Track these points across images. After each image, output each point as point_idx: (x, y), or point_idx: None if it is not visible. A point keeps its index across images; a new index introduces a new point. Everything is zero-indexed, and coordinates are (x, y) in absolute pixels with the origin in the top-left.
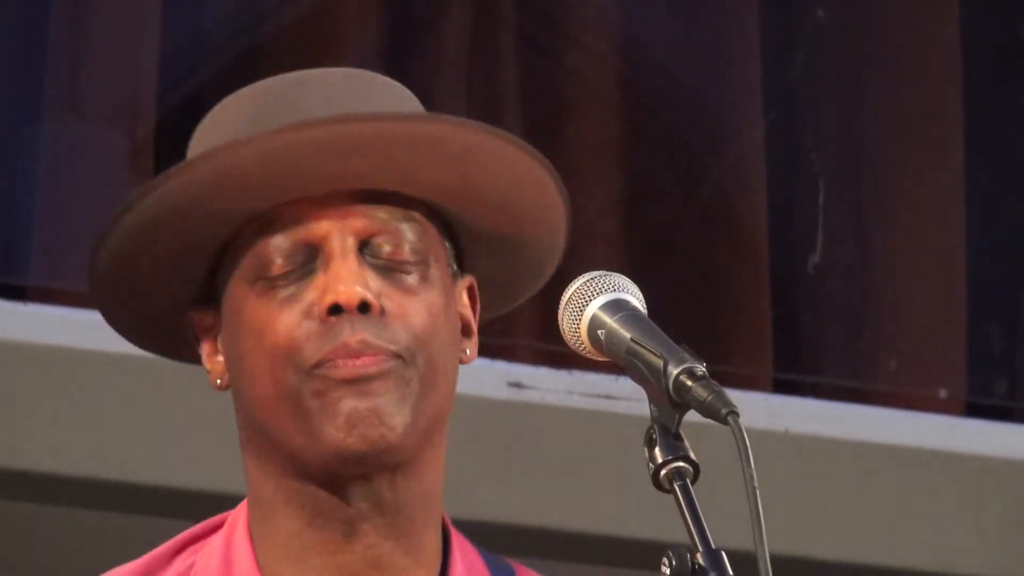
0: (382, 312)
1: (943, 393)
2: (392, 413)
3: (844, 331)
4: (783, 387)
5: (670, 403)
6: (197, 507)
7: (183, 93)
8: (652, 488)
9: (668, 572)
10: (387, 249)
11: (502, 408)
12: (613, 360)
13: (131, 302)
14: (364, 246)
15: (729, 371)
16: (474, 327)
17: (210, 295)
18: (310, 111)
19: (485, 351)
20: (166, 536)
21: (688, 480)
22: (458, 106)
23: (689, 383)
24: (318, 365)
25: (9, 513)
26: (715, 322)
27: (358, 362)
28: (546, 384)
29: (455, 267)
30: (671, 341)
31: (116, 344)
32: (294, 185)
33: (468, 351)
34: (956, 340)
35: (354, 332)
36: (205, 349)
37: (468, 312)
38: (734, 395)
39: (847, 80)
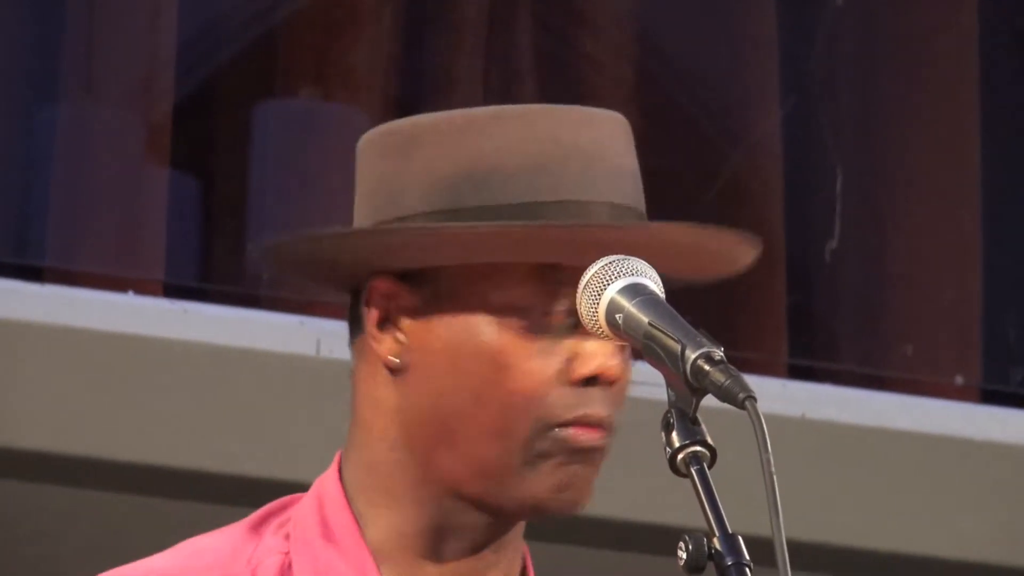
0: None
1: (959, 380)
2: (593, 486)
3: (861, 317)
4: (800, 373)
5: (687, 387)
6: (212, 489)
7: (200, 76)
8: (669, 473)
9: (685, 557)
10: None
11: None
12: (630, 344)
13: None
14: None
15: (745, 357)
16: None
17: (411, 273)
18: (596, 195)
19: None
20: (180, 518)
21: (705, 465)
22: (474, 91)
23: (707, 368)
24: (561, 426)
25: (25, 494)
26: (731, 308)
27: (594, 435)
28: None
29: None
30: (689, 326)
31: (133, 326)
32: (575, 256)
33: None
34: (972, 327)
35: (603, 407)
36: (376, 317)
37: None
38: (750, 380)
39: (864, 67)
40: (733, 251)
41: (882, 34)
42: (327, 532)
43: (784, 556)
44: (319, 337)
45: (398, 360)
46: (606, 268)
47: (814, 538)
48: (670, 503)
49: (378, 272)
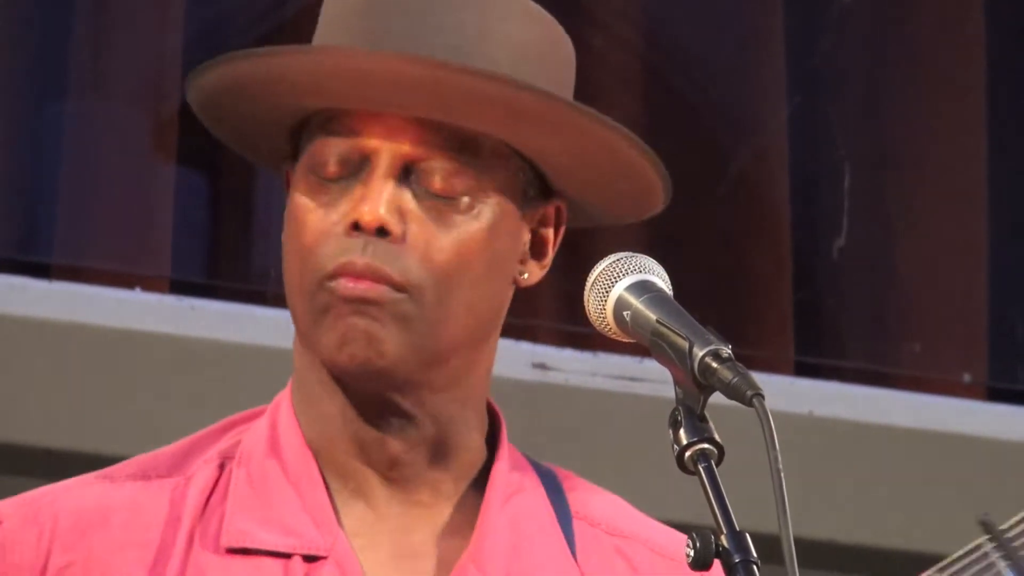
0: (402, 239)
1: (967, 377)
2: (382, 339)
3: (869, 315)
4: (807, 371)
5: (695, 385)
6: None
7: None
8: (676, 470)
9: (692, 554)
10: (433, 177)
11: (526, 389)
12: (638, 341)
13: (233, 129)
14: (410, 169)
15: (752, 354)
16: (548, 249)
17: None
18: (408, 34)
19: (509, 332)
20: None
21: (713, 462)
22: None
23: (714, 365)
24: (330, 277)
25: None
26: (738, 305)
27: (359, 285)
28: (570, 365)
29: (534, 191)
30: (697, 323)
31: (140, 322)
32: (362, 97)
33: (527, 274)
34: (980, 325)
35: (363, 254)
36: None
37: (547, 234)
38: (758, 378)
39: (872, 64)
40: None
41: (889, 31)
42: (273, 436)
43: (791, 553)
44: None
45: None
46: (614, 265)
47: (821, 535)
48: (677, 501)
49: (286, 160)
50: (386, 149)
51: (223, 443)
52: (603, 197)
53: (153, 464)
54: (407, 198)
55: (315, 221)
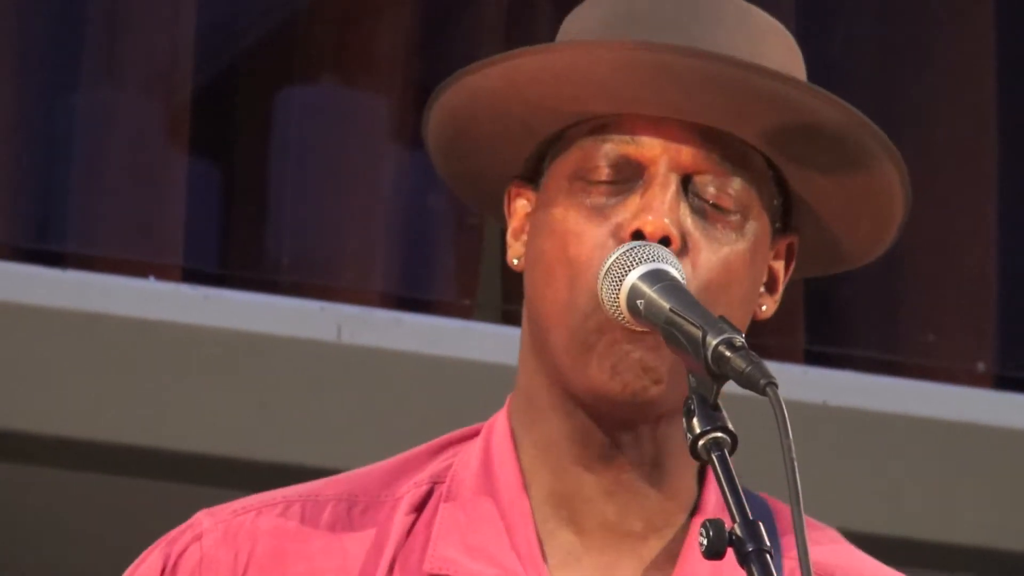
0: (681, 253)
1: (980, 366)
2: (657, 367)
3: (882, 304)
4: (820, 359)
5: (708, 374)
6: (232, 475)
7: (220, 63)
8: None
9: (705, 543)
10: (710, 191)
11: None
12: (651, 330)
13: (462, 158)
14: (688, 181)
15: (765, 343)
16: (779, 285)
17: (534, 174)
18: (690, 39)
19: (516, 321)
20: (199, 503)
21: (726, 451)
22: None
23: (728, 354)
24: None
25: (47, 479)
26: None
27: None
28: None
29: (779, 223)
30: (710, 312)
31: (153, 311)
32: (639, 100)
33: (765, 307)
34: (993, 314)
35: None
36: (512, 224)
37: (779, 268)
38: (771, 367)
39: (883, 57)
40: (831, 121)
41: (901, 21)
42: (487, 460)
43: (804, 542)
44: (340, 322)
45: (518, 261)
46: (627, 254)
47: (834, 524)
48: None
49: (512, 179)
50: (666, 157)
51: (435, 465)
52: (844, 229)
53: (362, 485)
54: (685, 210)
55: (589, 234)
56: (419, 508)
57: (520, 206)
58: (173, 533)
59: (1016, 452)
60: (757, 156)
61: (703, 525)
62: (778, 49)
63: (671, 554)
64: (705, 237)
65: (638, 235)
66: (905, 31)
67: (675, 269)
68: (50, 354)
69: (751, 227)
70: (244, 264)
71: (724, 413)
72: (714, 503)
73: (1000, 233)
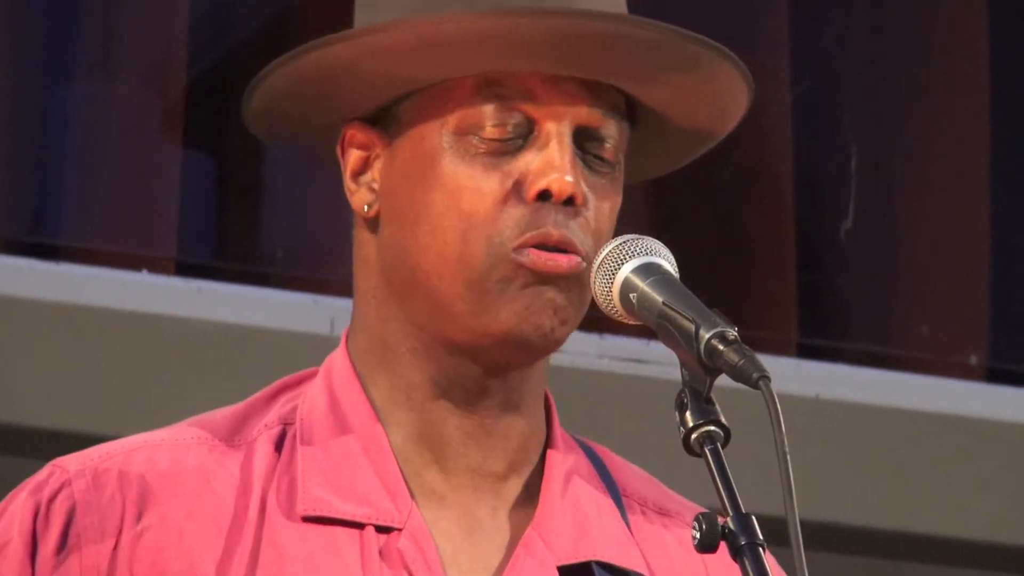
0: (583, 209)
1: (974, 359)
2: (568, 313)
3: (875, 297)
4: (813, 352)
5: (701, 367)
6: None
7: (215, 55)
8: (683, 452)
9: (698, 536)
10: (597, 144)
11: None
12: (645, 324)
13: (287, 111)
14: (578, 135)
15: (758, 336)
16: None
17: (377, 117)
18: None
19: None
20: None
21: (719, 444)
22: None
23: (721, 347)
24: (517, 248)
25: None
26: (744, 288)
27: (556, 260)
28: (577, 348)
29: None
30: (703, 305)
31: (147, 304)
32: (530, 58)
33: None
34: (986, 307)
35: (557, 225)
36: (352, 166)
37: None
38: (764, 360)
39: (877, 47)
40: (705, 62)
41: (896, 14)
42: (333, 401)
43: (798, 535)
44: (333, 315)
45: (369, 208)
46: (620, 248)
47: (827, 518)
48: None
49: (350, 120)
50: (561, 113)
51: (278, 408)
52: (684, 126)
53: (214, 428)
54: (581, 165)
55: (488, 190)
56: (276, 450)
57: (360, 149)
58: (33, 480)
59: (1009, 445)
60: (620, 96)
61: (696, 519)
62: None
63: (531, 491)
64: (593, 191)
65: (544, 195)
66: (898, 22)
67: (667, 262)
68: (43, 347)
69: (620, 175)
70: (238, 257)
71: (717, 407)
72: (561, 435)
73: (993, 226)
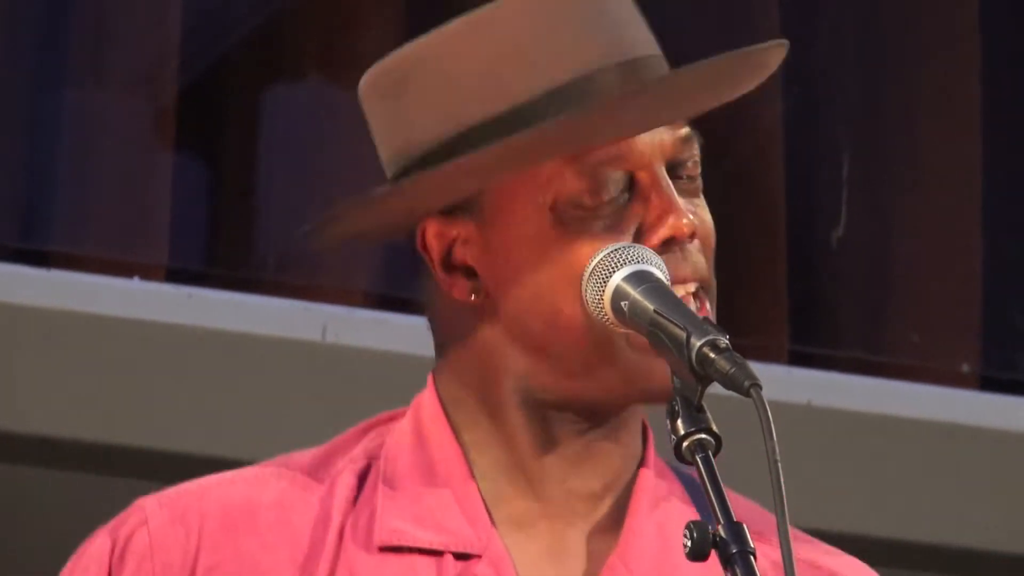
0: (695, 236)
1: (965, 367)
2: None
3: (866, 304)
4: (805, 360)
5: (693, 375)
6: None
7: (207, 60)
8: (675, 459)
9: (689, 544)
10: (684, 167)
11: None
12: (636, 332)
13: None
14: (668, 169)
15: (750, 344)
16: None
17: (458, 206)
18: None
19: None
20: None
21: (710, 452)
22: None
23: (712, 355)
24: None
25: (29, 479)
26: (735, 295)
27: (702, 312)
28: None
29: None
30: (694, 313)
31: (138, 311)
32: (622, 131)
33: None
34: (977, 314)
35: (687, 265)
36: (438, 260)
37: None
38: (755, 368)
39: (868, 54)
40: (761, 59)
41: (887, 22)
42: (420, 436)
43: (789, 544)
44: (325, 322)
45: (476, 295)
46: (611, 255)
47: (818, 525)
48: None
49: (424, 217)
50: (657, 157)
51: (366, 443)
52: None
53: (297, 464)
54: (679, 195)
55: (604, 248)
56: (359, 484)
57: (439, 238)
58: (115, 520)
59: (1000, 453)
60: None
61: (687, 527)
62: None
63: (620, 511)
64: (694, 209)
65: (669, 242)
66: (890, 31)
67: (659, 270)
68: (35, 354)
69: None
70: (229, 264)
71: (708, 414)
72: (655, 461)
73: (984, 233)
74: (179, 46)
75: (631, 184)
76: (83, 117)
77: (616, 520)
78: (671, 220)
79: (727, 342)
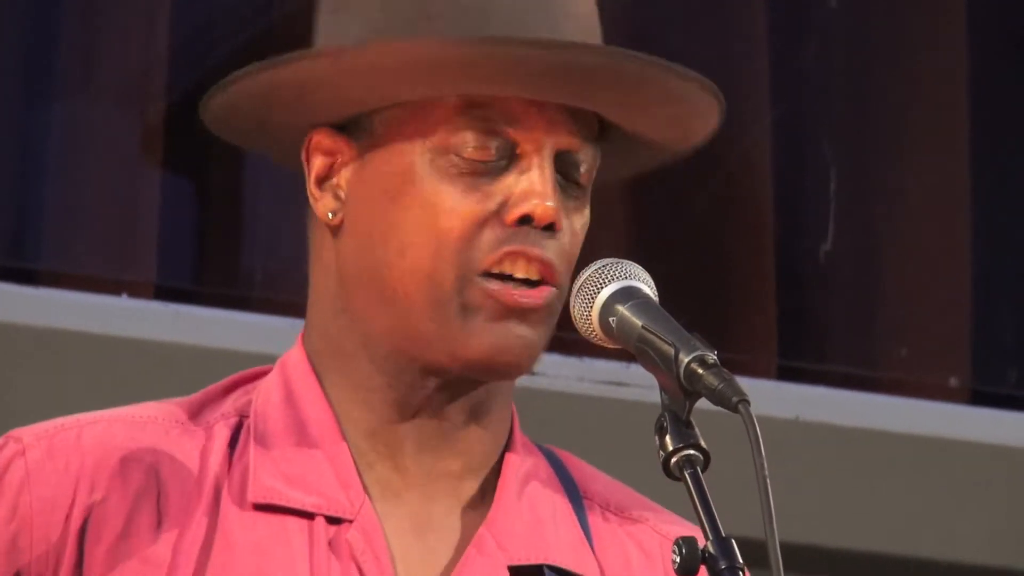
0: (559, 234)
1: (953, 381)
2: (538, 346)
3: (854, 319)
4: (793, 375)
5: (681, 391)
6: None
7: (194, 78)
8: (663, 475)
9: (678, 560)
10: (573, 169)
11: (512, 394)
12: (624, 348)
13: (257, 105)
14: (557, 160)
15: (738, 359)
16: None
17: (346, 124)
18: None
19: None
20: None
21: (699, 468)
22: None
23: (700, 371)
24: (488, 273)
25: None
26: (723, 310)
27: (530, 296)
28: (556, 371)
29: None
30: (682, 329)
31: (126, 328)
32: (517, 85)
33: None
34: (965, 328)
35: (536, 247)
36: (316, 171)
37: None
38: (743, 382)
39: (857, 69)
40: (687, 95)
41: (874, 36)
42: (289, 395)
43: (778, 559)
44: None
45: (334, 215)
46: (600, 272)
47: (807, 540)
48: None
49: (317, 125)
50: (544, 138)
51: (233, 400)
52: (658, 139)
53: (170, 411)
54: (559, 189)
55: (466, 209)
56: (232, 441)
57: (326, 155)
58: None
59: (989, 467)
60: (595, 120)
61: (675, 543)
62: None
63: (488, 493)
64: (567, 215)
65: (525, 219)
66: (877, 45)
67: (647, 286)
68: (22, 372)
69: (589, 192)
70: (217, 281)
71: (696, 430)
72: (521, 440)
73: (973, 247)
74: (167, 63)
75: (512, 154)
76: (71, 135)
77: (482, 499)
78: (536, 200)
79: (715, 358)
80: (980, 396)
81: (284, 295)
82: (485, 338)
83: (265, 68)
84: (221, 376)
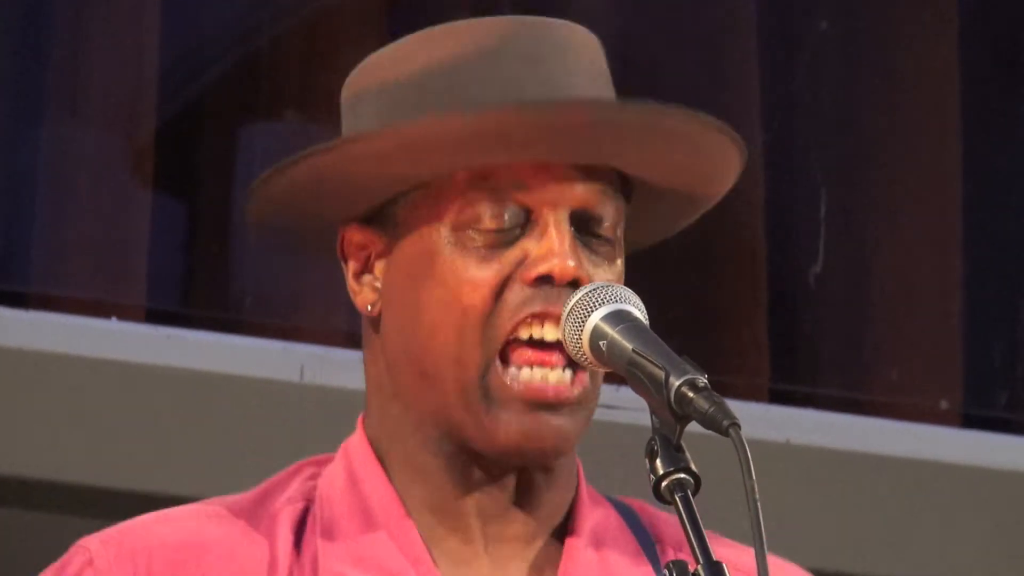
0: (577, 286)
1: (944, 404)
2: (571, 432)
3: (845, 342)
4: (784, 398)
5: (671, 414)
6: None
7: (184, 99)
8: (653, 499)
9: None
10: (595, 224)
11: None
12: (615, 371)
13: (284, 206)
14: (575, 219)
15: (728, 382)
16: None
17: (373, 216)
18: (544, 82)
19: None
20: None
21: (689, 492)
22: None
23: (691, 395)
24: (508, 343)
25: (6, 520)
26: (714, 333)
27: (559, 392)
28: None
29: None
30: (673, 352)
31: (116, 351)
32: (519, 150)
33: None
34: (956, 351)
35: (557, 303)
36: (352, 267)
37: None
38: (734, 406)
39: (847, 91)
40: (693, 135)
41: (865, 59)
42: (352, 479)
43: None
44: (303, 362)
45: (372, 307)
46: (590, 295)
47: (799, 563)
48: None
49: (347, 222)
50: (555, 199)
51: (299, 484)
52: (682, 188)
53: (236, 504)
54: (580, 247)
55: (482, 278)
56: (299, 527)
57: (356, 247)
58: (59, 562)
59: (980, 490)
60: (613, 172)
61: (666, 566)
62: (598, 58)
63: (556, 547)
64: (595, 268)
65: (545, 279)
66: (868, 67)
67: (637, 309)
68: (11, 395)
69: (621, 244)
70: (207, 304)
71: (687, 454)
72: (588, 492)
73: (964, 270)
74: (156, 84)
75: (528, 219)
76: (60, 157)
77: (553, 555)
78: (554, 260)
79: (706, 381)
80: (971, 419)
81: (274, 319)
82: (513, 427)
83: (276, 172)
84: (211, 400)
